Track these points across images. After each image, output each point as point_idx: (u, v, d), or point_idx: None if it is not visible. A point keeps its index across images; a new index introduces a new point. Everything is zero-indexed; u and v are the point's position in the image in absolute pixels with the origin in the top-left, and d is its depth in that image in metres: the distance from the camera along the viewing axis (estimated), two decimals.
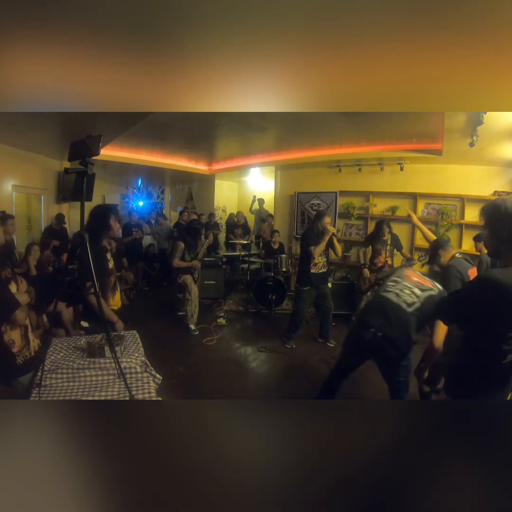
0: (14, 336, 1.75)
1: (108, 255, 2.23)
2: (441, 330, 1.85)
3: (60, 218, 5.34)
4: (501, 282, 1.11)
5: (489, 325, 1.17)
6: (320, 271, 3.61)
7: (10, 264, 1.99)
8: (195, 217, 6.13)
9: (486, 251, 4.25)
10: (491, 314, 1.15)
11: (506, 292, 1.11)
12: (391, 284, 2.06)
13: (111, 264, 2.24)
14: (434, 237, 2.98)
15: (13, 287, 1.84)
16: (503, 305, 1.12)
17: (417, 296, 1.93)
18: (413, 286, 1.99)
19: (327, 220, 3.53)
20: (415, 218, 3.31)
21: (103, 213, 2.16)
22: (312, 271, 3.57)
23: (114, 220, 2.18)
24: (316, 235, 3.51)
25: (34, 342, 1.87)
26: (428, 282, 2.03)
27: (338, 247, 3.60)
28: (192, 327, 4.06)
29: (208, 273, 5.23)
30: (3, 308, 1.69)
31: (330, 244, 3.58)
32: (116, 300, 2.30)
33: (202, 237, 4.31)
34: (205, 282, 5.17)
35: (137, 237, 6.10)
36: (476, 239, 4.05)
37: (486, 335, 1.20)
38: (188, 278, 4.00)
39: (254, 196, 7.31)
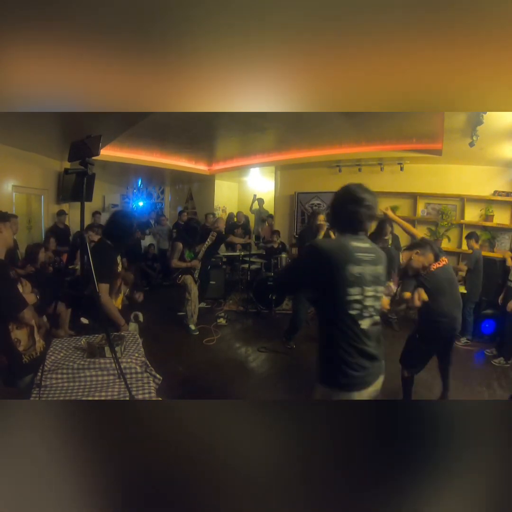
0: (20, 335, 1.75)
1: (118, 258, 2.25)
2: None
3: (61, 214, 5.36)
4: (324, 249, 1.26)
5: (323, 291, 1.27)
6: None
7: (14, 266, 2.00)
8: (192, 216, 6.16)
9: (477, 247, 4.41)
10: (321, 280, 1.25)
11: (329, 259, 1.23)
12: None
13: (119, 268, 2.26)
14: (418, 234, 2.91)
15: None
16: (329, 272, 1.23)
17: None
18: None
19: (321, 217, 3.54)
20: (391, 214, 3.14)
21: (127, 221, 2.20)
22: None
23: (136, 227, 2.22)
24: (313, 234, 3.53)
25: (40, 343, 1.88)
26: None
27: None
28: (192, 327, 4.06)
29: (208, 273, 5.23)
30: (12, 307, 1.69)
31: None
32: (118, 302, 2.32)
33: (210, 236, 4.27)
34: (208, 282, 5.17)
35: (137, 237, 6.10)
36: (468, 237, 4.11)
37: (326, 302, 1.28)
38: (188, 278, 4.00)
39: (254, 196, 7.30)
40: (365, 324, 1.27)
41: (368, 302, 1.29)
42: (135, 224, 2.20)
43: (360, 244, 1.31)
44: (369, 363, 1.28)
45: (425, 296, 2.27)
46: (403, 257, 2.27)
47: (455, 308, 2.44)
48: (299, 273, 1.38)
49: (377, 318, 1.34)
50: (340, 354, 1.26)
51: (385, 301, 1.76)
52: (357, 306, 1.26)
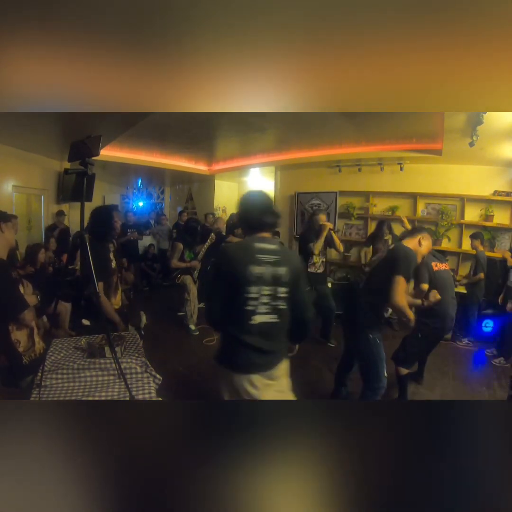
0: (20, 336, 1.75)
1: (111, 255, 2.24)
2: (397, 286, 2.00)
3: (60, 214, 5.36)
4: (230, 251, 1.45)
5: (228, 288, 1.40)
6: (318, 271, 3.63)
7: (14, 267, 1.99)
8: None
9: (481, 248, 4.45)
10: (228, 278, 1.39)
11: (234, 260, 1.40)
12: None
13: (113, 264, 2.25)
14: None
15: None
16: (233, 271, 1.38)
17: None
18: None
19: (322, 217, 3.55)
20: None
21: (105, 214, 2.18)
22: (309, 270, 3.58)
23: (117, 220, 2.20)
24: (314, 234, 3.53)
25: (39, 344, 1.88)
26: None
27: (338, 242, 3.62)
28: (192, 327, 4.06)
29: (209, 274, 5.22)
30: (12, 308, 1.69)
31: (329, 241, 3.59)
32: (117, 300, 2.32)
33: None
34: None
35: (132, 238, 6.07)
36: (473, 237, 4.09)
37: (228, 299, 1.41)
38: (187, 279, 3.99)
39: None
40: (257, 320, 1.39)
41: (265, 300, 1.40)
42: (114, 217, 2.17)
43: (266, 246, 1.42)
44: (254, 354, 1.42)
45: (438, 296, 2.36)
46: (409, 244, 2.27)
47: (453, 309, 2.64)
48: (217, 278, 1.46)
49: (274, 316, 1.43)
50: (229, 341, 1.46)
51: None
52: (253, 302, 1.38)
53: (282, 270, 1.42)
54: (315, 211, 3.77)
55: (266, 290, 1.40)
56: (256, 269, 1.37)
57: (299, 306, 1.53)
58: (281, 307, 1.45)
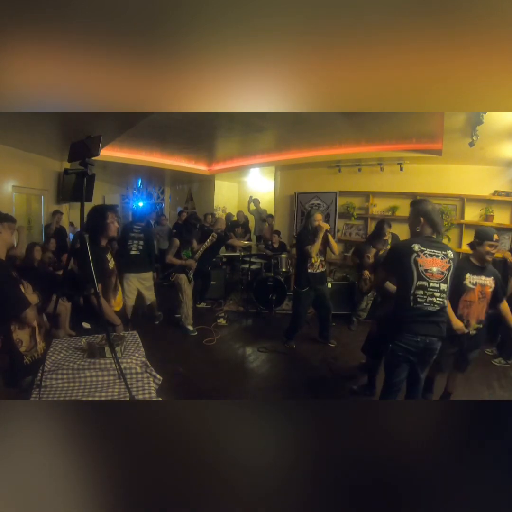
0: (22, 336, 1.75)
1: (109, 256, 2.23)
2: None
3: (55, 214, 5.34)
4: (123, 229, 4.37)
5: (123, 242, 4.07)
6: (317, 271, 3.57)
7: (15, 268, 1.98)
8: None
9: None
10: (122, 238, 4.03)
11: (125, 230, 4.11)
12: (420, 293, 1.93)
13: (111, 265, 2.23)
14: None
15: None
16: (124, 236, 4.02)
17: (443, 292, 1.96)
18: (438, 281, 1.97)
19: (318, 217, 3.49)
20: None
21: (100, 213, 2.15)
22: (309, 270, 3.53)
23: (112, 219, 2.16)
24: (310, 234, 3.49)
25: (41, 344, 1.87)
26: (442, 263, 1.99)
27: (334, 244, 3.57)
28: (190, 328, 3.99)
29: (209, 274, 5.21)
30: (14, 307, 1.68)
31: (326, 242, 3.55)
32: (117, 301, 2.30)
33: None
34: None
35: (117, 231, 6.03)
36: None
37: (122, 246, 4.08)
38: (182, 278, 3.89)
39: (250, 197, 7.30)
40: (132, 253, 3.87)
41: (134, 245, 3.88)
42: (108, 217, 2.13)
43: (136, 226, 3.97)
44: (133, 265, 3.83)
45: None
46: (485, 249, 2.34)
47: None
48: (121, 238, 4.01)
49: (138, 251, 3.89)
50: (125, 262, 3.73)
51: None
52: (130, 246, 3.87)
53: (141, 234, 3.88)
54: (310, 210, 3.69)
55: (135, 242, 3.85)
56: (131, 233, 3.88)
57: (149, 249, 4.00)
58: (141, 248, 3.86)
